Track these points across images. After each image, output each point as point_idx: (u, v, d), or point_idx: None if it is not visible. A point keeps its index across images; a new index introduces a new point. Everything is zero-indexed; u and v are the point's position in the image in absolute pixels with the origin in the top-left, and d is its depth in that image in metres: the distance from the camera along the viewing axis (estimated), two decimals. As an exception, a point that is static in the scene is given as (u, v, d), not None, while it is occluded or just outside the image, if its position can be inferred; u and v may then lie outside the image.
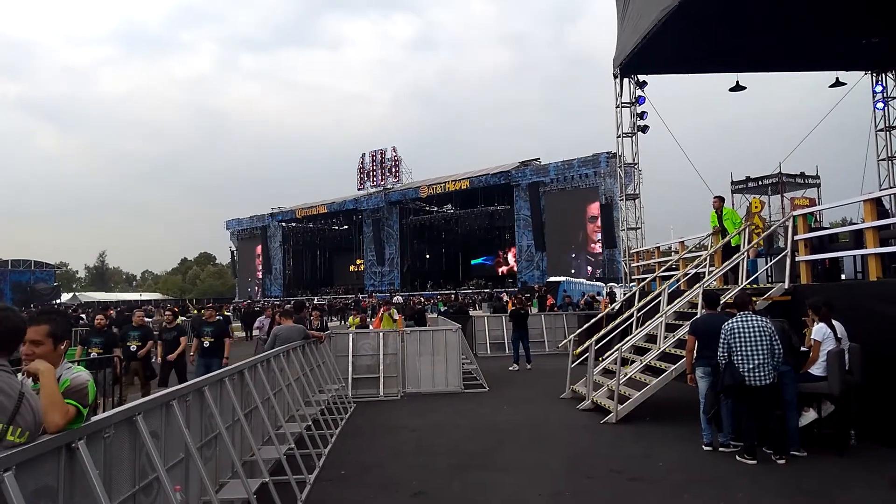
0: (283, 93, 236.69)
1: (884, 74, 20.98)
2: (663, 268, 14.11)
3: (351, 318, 17.94)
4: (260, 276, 76.57)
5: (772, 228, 11.63)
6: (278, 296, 67.21)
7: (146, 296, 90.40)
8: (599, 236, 50.78)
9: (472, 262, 67.79)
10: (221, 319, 11.91)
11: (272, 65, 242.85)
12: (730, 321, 6.99)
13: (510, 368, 15.04)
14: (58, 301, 65.40)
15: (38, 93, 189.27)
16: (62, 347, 3.00)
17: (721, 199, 12.53)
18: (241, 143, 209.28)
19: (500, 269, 64.32)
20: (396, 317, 14.17)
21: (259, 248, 76.52)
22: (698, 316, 8.45)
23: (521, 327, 15.48)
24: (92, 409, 3.04)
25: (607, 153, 47.20)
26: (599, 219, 50.38)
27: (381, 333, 12.56)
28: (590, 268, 50.09)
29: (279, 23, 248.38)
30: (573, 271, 48.71)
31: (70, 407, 2.75)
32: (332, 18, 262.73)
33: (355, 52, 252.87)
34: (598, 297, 25.98)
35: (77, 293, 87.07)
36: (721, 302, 8.22)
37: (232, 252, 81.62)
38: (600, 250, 50.40)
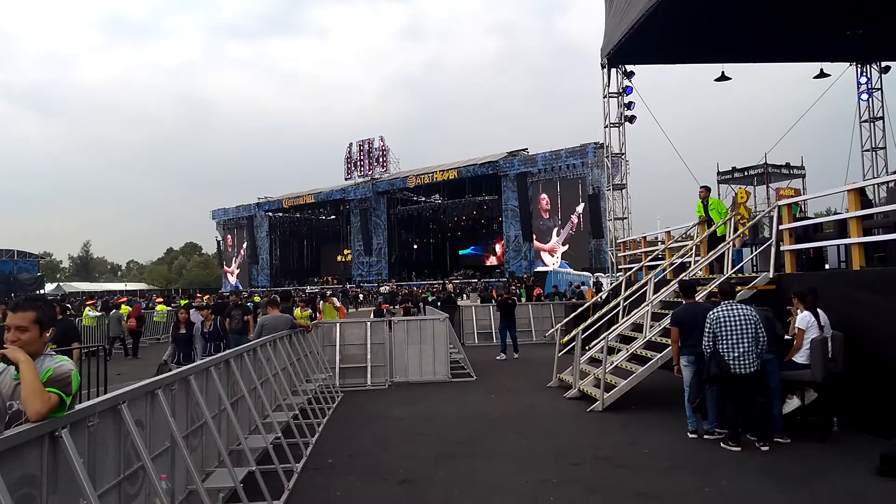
0: (269, 81, 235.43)
1: (868, 66, 21.16)
2: (650, 257, 14.18)
3: (297, 310, 17.55)
4: (233, 269, 76.26)
5: (757, 218, 11.70)
6: (265, 286, 66.95)
7: (131, 286, 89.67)
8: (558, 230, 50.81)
9: (461, 252, 67.72)
10: (64, 318, 10.11)
11: (259, 53, 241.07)
12: (715, 310, 7.04)
13: (497, 358, 15.09)
14: (41, 291, 64.71)
15: (19, 80, 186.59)
16: (47, 335, 2.98)
17: (707, 189, 12.58)
18: (228, 132, 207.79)
19: (487, 260, 64.35)
20: (338, 304, 14.11)
21: (230, 238, 76.34)
22: (680, 307, 8.50)
23: (508, 317, 15.52)
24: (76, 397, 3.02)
25: (595, 144, 47.19)
26: (580, 212, 50.45)
27: (368, 323, 12.55)
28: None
29: (266, 10, 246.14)
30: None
31: (52, 395, 2.73)
32: (320, 6, 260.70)
33: (343, 40, 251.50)
34: (583, 287, 26.08)
35: (61, 283, 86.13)
36: (698, 290, 8.27)
37: (218, 242, 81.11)
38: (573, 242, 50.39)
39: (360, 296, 49.20)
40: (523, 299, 25.30)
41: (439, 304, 18.94)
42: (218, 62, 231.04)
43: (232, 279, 75.94)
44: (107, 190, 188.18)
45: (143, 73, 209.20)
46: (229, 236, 76.91)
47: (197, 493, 4.28)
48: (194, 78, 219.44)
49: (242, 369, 6.19)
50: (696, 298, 8.37)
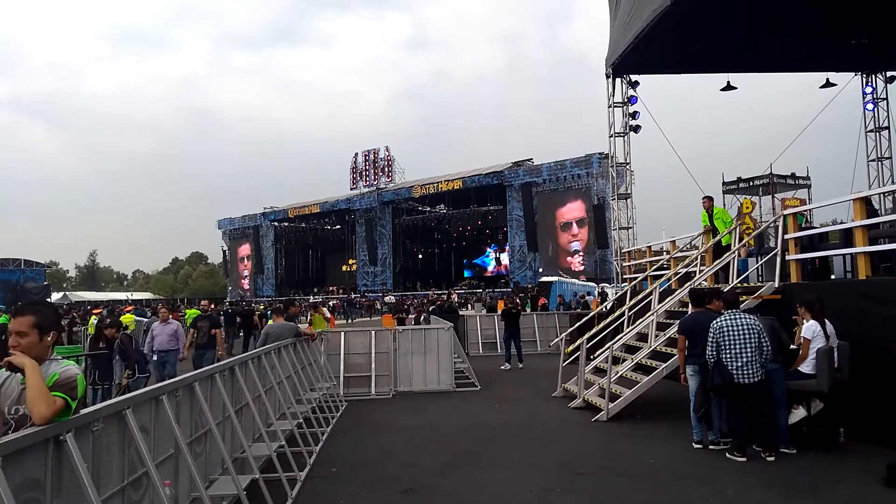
0: (275, 91, 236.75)
1: (873, 75, 21.15)
2: (654, 267, 14.15)
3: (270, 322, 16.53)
4: (246, 276, 76.35)
5: (762, 228, 11.67)
6: (270, 295, 67.06)
7: (137, 295, 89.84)
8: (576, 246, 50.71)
9: (475, 260, 67.46)
10: None
11: (264, 63, 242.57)
12: (718, 320, 7.02)
13: (502, 367, 15.05)
14: (48, 300, 64.89)
15: (27, 90, 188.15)
16: (49, 339, 2.99)
17: (710, 199, 12.57)
18: (233, 142, 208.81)
19: (494, 268, 64.23)
20: (329, 315, 13.84)
21: (249, 247, 76.42)
22: (687, 315, 8.47)
23: (512, 327, 15.50)
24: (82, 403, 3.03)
25: (600, 154, 47.31)
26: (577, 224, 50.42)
27: (373, 332, 12.54)
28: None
29: (271, 20, 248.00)
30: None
31: (57, 399, 2.74)
32: (324, 16, 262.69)
33: (347, 50, 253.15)
34: (587, 297, 26.03)
35: (67, 292, 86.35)
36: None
37: (224, 251, 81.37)
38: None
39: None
40: (528, 309, 25.24)
41: (441, 313, 18.92)
42: (224, 72, 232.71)
43: (248, 285, 76.28)
44: (113, 199, 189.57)
45: (150, 83, 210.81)
46: (248, 245, 77.06)
47: (200, 500, 4.28)
48: (200, 88, 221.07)
49: (247, 377, 6.20)
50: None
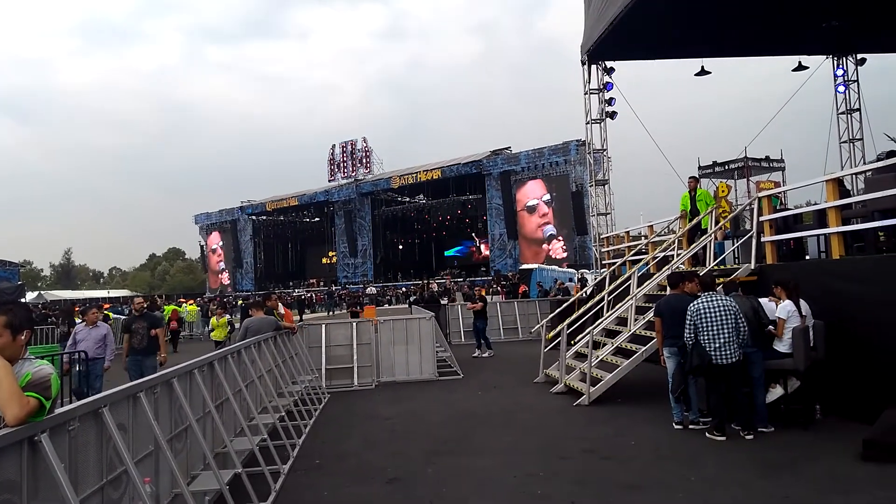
0: (250, 84, 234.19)
1: (844, 58, 21.35)
2: (632, 252, 14.25)
3: (213, 319, 16.04)
4: (221, 269, 75.92)
5: (737, 211, 11.79)
6: (250, 290, 66.61)
7: (114, 293, 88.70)
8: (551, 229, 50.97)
9: (446, 252, 67.67)
10: None
11: (239, 56, 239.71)
12: (695, 302, 7.10)
13: (483, 356, 15.12)
14: (22, 300, 63.76)
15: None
16: (22, 338, 2.94)
17: (696, 180, 12.69)
18: (209, 136, 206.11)
19: (475, 258, 64.29)
20: (282, 310, 13.62)
21: (210, 241, 75.85)
22: (662, 298, 8.55)
23: (481, 316, 15.63)
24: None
25: (577, 141, 47.41)
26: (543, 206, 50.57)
27: (354, 323, 12.51)
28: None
29: (245, 12, 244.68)
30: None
31: (31, 399, 2.70)
32: (299, 8, 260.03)
33: (324, 42, 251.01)
34: (567, 284, 26.16)
35: (42, 292, 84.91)
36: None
37: (201, 246, 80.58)
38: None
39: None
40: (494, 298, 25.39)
41: (422, 304, 18.92)
42: (198, 65, 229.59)
43: (227, 280, 75.84)
44: (88, 196, 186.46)
45: (122, 77, 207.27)
46: (218, 234, 76.47)
47: (182, 496, 4.24)
48: (174, 82, 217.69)
49: (227, 372, 6.15)
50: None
